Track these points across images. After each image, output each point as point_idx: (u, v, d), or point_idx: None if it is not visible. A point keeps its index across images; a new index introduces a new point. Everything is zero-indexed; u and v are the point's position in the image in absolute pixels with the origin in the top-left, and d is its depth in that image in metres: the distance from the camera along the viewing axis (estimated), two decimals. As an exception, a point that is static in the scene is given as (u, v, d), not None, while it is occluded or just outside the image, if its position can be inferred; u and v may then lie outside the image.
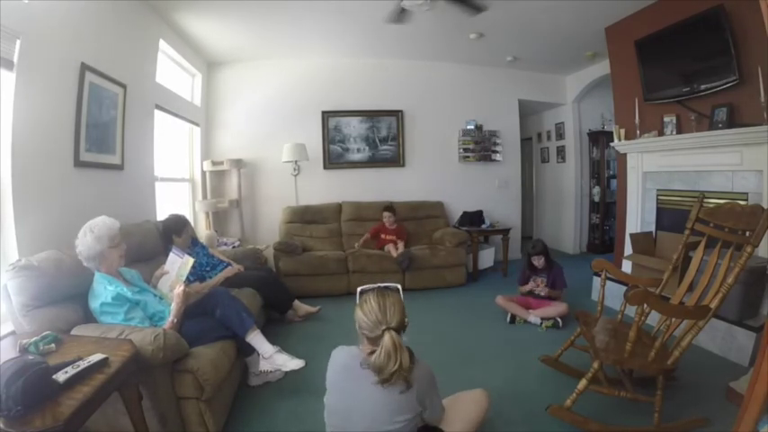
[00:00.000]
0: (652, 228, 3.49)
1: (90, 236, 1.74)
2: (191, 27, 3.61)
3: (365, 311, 1.17)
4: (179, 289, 1.86)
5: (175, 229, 2.74)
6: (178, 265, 2.05)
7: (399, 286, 1.27)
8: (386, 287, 1.24)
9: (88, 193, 2.38)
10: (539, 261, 3.12)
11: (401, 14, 2.98)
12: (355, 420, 1.18)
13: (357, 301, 1.23)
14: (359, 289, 1.27)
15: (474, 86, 5.14)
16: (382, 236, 4.20)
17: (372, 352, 1.15)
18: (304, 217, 4.41)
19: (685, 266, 2.16)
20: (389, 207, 4.29)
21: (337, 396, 1.23)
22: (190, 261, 2.03)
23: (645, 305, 1.66)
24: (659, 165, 3.38)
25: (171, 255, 2.12)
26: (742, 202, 2.45)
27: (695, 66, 2.97)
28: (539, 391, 2.08)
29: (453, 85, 5.08)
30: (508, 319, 3.11)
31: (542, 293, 3.09)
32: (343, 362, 1.23)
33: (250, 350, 2.10)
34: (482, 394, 1.54)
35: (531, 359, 2.40)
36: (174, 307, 1.84)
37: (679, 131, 3.18)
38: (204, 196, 4.40)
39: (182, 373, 1.63)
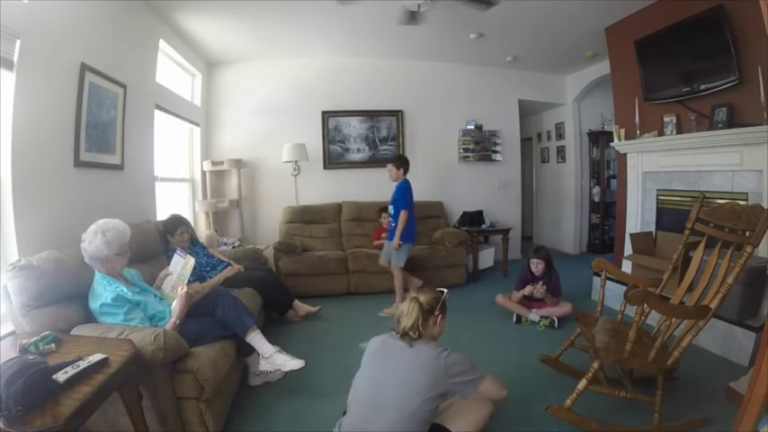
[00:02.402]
0: (652, 228, 3.49)
1: (101, 238, 1.73)
2: (191, 27, 3.61)
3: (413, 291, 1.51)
4: (182, 290, 1.85)
5: (169, 230, 2.74)
6: (180, 266, 2.06)
7: (446, 291, 1.54)
8: (439, 291, 1.52)
9: (88, 193, 2.38)
10: (537, 266, 3.08)
11: (413, 16, 2.95)
12: (386, 388, 1.34)
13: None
14: (441, 290, 1.55)
15: (474, 86, 5.14)
16: (383, 235, 4.15)
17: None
18: (304, 217, 4.41)
19: (685, 266, 2.16)
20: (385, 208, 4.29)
21: (370, 369, 1.44)
22: (191, 261, 2.03)
23: (645, 305, 1.66)
24: (659, 165, 3.38)
25: (175, 256, 2.13)
26: (742, 202, 2.44)
27: (695, 66, 2.97)
28: (539, 391, 2.08)
29: (453, 85, 5.08)
30: (514, 319, 3.10)
31: (538, 295, 3.06)
32: (381, 340, 1.47)
33: (250, 350, 2.10)
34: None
35: (531, 359, 2.40)
36: (176, 308, 1.84)
37: (679, 131, 3.18)
38: (204, 196, 4.40)
39: (182, 373, 1.63)
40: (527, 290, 3.08)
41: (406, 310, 1.41)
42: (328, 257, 3.91)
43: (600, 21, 3.74)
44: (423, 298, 1.43)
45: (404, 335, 1.38)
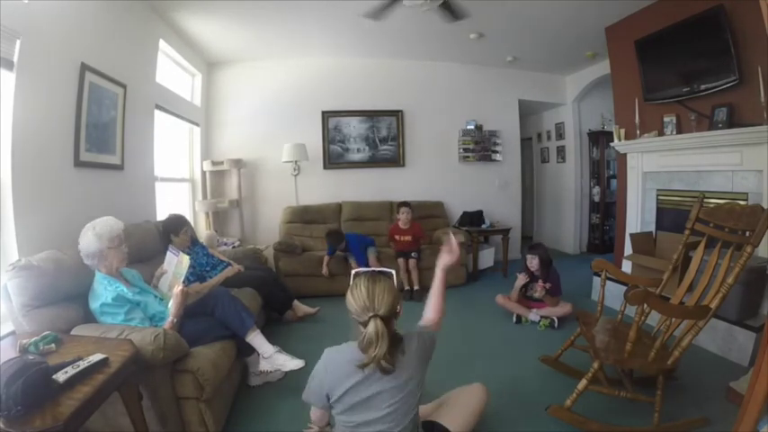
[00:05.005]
0: (652, 228, 3.49)
1: (91, 233, 1.75)
2: (191, 27, 3.61)
3: (354, 296, 1.19)
4: (177, 289, 1.86)
5: (173, 229, 2.74)
6: (174, 263, 2.05)
7: (393, 272, 1.29)
8: (380, 272, 1.26)
9: (88, 193, 2.38)
10: (531, 262, 3.08)
11: (381, 11, 2.87)
12: (378, 408, 1.19)
13: (351, 284, 1.25)
14: (353, 272, 1.29)
15: (474, 86, 5.14)
16: (396, 237, 3.97)
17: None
18: (304, 217, 4.41)
19: (685, 266, 2.16)
20: (405, 203, 4.01)
21: (355, 393, 1.20)
22: (185, 259, 2.02)
23: (645, 305, 1.66)
24: (659, 165, 3.38)
25: (168, 254, 2.13)
26: (742, 202, 2.45)
27: (695, 66, 2.97)
28: (539, 391, 2.08)
29: (453, 85, 5.08)
30: (514, 319, 3.10)
31: (536, 295, 3.06)
32: (350, 358, 1.20)
33: (250, 350, 2.10)
34: (480, 388, 1.56)
35: (531, 359, 2.40)
36: (173, 307, 1.84)
37: (679, 131, 3.18)
38: (204, 196, 4.40)
39: (182, 373, 1.63)
40: (520, 279, 3.09)
41: (374, 338, 1.13)
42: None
43: (600, 21, 3.73)
44: (383, 310, 1.15)
45: (365, 364, 1.15)
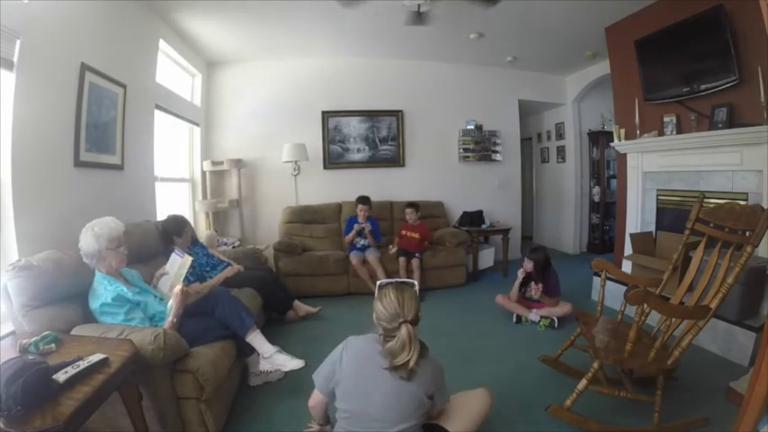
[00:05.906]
0: (652, 228, 3.49)
1: (90, 233, 1.75)
2: (191, 27, 3.61)
3: (384, 304, 1.25)
4: (177, 288, 1.86)
5: (175, 230, 2.73)
6: (177, 265, 2.06)
7: (416, 282, 1.40)
8: (403, 282, 1.34)
9: (88, 193, 2.38)
10: (526, 265, 3.08)
11: (418, 17, 2.95)
12: (376, 400, 1.22)
13: (376, 294, 1.32)
14: (378, 282, 1.39)
15: (474, 86, 5.14)
16: (404, 232, 4.08)
17: (387, 341, 1.24)
18: (304, 217, 4.41)
19: (685, 266, 2.16)
20: (412, 203, 4.16)
21: (358, 380, 1.26)
22: (188, 260, 2.03)
23: (645, 305, 1.66)
24: (659, 165, 3.38)
25: (173, 255, 2.13)
26: (742, 202, 2.45)
27: (695, 66, 2.97)
28: (539, 391, 2.08)
29: (453, 85, 5.08)
30: (514, 319, 3.10)
31: (535, 296, 3.06)
32: (367, 347, 1.27)
33: (250, 350, 2.10)
34: (485, 393, 1.55)
35: (531, 359, 2.40)
36: (173, 307, 1.84)
37: (679, 131, 3.18)
38: (204, 196, 4.40)
39: (182, 373, 1.63)
40: (519, 273, 3.10)
41: (408, 341, 1.18)
42: (328, 257, 3.91)
43: (600, 21, 3.73)
44: (411, 315, 1.22)
45: (395, 368, 1.20)
